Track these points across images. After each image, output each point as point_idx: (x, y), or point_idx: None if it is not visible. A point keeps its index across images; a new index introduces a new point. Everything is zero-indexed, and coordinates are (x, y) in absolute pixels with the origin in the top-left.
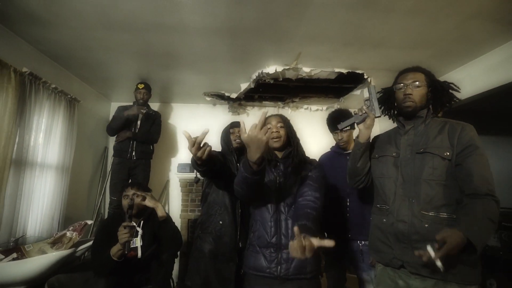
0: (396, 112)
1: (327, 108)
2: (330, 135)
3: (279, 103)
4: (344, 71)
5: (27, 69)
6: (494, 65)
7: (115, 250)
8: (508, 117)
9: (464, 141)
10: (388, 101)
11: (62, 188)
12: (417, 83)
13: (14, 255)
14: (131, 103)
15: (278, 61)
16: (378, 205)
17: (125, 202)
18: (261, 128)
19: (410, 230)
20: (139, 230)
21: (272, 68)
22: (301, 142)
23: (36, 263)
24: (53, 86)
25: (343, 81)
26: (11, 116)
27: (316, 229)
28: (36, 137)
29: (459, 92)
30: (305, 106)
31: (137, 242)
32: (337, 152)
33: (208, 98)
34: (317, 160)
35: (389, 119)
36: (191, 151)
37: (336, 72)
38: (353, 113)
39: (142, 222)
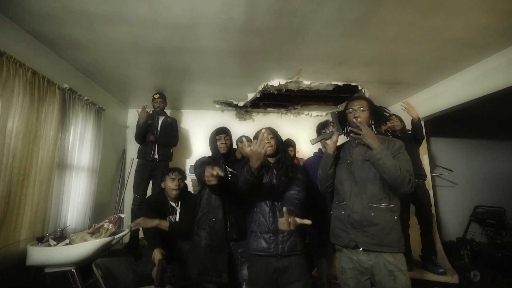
0: (348, 129)
1: (326, 114)
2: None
3: (282, 110)
4: (340, 83)
5: (67, 85)
6: (470, 79)
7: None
8: (489, 123)
9: (394, 149)
10: (342, 121)
11: (92, 187)
12: (362, 108)
13: (67, 241)
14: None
15: (281, 75)
16: (337, 202)
17: (171, 184)
18: (260, 144)
19: (362, 218)
20: (178, 208)
21: (276, 81)
22: (302, 145)
23: (84, 247)
24: (86, 98)
25: (339, 91)
26: (56, 125)
27: (298, 211)
28: (73, 143)
29: (389, 113)
30: (306, 112)
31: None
32: (320, 156)
33: (217, 106)
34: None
35: (344, 135)
36: (254, 149)
37: (333, 84)
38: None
39: (180, 202)
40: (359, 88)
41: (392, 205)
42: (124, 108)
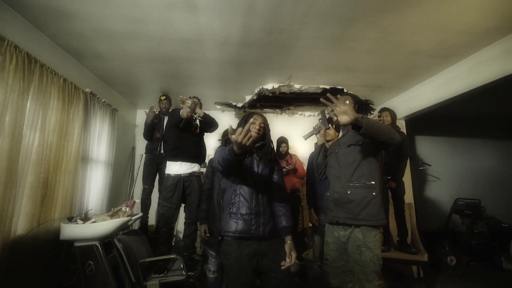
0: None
1: (318, 114)
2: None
3: (278, 110)
4: (327, 87)
5: (89, 89)
6: (439, 84)
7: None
8: (468, 122)
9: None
10: (332, 119)
11: (107, 178)
12: (346, 101)
13: (93, 219)
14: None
15: (275, 80)
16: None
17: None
18: (246, 135)
19: (340, 197)
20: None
21: (270, 85)
22: (297, 142)
23: (107, 225)
24: (103, 100)
25: (328, 93)
26: (81, 124)
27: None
28: (93, 139)
29: (373, 105)
30: (300, 112)
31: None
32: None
33: (218, 106)
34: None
35: (334, 128)
36: (238, 140)
37: (321, 87)
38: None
39: None
40: (345, 90)
41: (372, 182)
42: (133, 109)
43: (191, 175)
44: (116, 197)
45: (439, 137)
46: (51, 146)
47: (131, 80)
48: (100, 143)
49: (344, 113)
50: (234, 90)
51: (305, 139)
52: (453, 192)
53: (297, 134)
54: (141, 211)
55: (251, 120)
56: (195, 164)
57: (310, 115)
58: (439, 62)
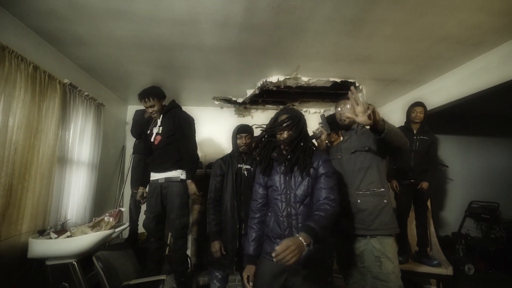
0: (338, 128)
1: (324, 111)
2: None
3: (281, 106)
4: (338, 80)
5: (68, 80)
6: (463, 77)
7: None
8: (483, 120)
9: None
10: (332, 122)
11: (92, 182)
12: (347, 105)
13: (68, 233)
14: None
15: (280, 72)
16: None
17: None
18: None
19: (350, 206)
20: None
21: (274, 78)
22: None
23: (85, 240)
24: (86, 93)
25: (337, 88)
26: (57, 120)
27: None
28: (73, 138)
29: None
30: (305, 109)
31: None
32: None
33: (216, 102)
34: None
35: (334, 133)
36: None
37: (331, 81)
38: (313, 132)
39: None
40: (357, 85)
41: (382, 189)
42: (123, 105)
43: (168, 180)
44: (102, 203)
45: (451, 135)
46: (16, 145)
47: (119, 72)
48: (82, 142)
49: (364, 112)
50: (234, 83)
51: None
52: (466, 195)
53: None
54: (129, 220)
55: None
56: (172, 170)
57: (315, 112)
58: (468, 51)
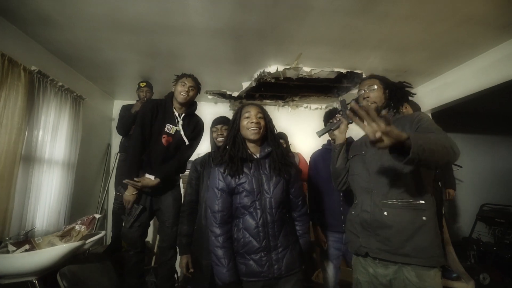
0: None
1: (326, 107)
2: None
3: (279, 101)
4: (343, 70)
5: (35, 68)
6: (484, 67)
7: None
8: (495, 118)
9: (417, 120)
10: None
11: (68, 183)
12: (372, 86)
13: (27, 246)
14: (134, 102)
15: (279, 61)
16: (354, 202)
17: (181, 88)
18: None
19: (372, 218)
20: (180, 120)
21: (273, 68)
22: (301, 139)
23: (47, 254)
24: (60, 84)
25: (341, 81)
26: (21, 113)
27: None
28: (44, 134)
29: (412, 87)
30: (305, 105)
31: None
32: (328, 148)
33: (210, 96)
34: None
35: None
36: None
37: (335, 71)
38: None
39: (183, 115)
40: (363, 76)
41: (419, 201)
42: (109, 99)
43: (164, 183)
44: (82, 207)
45: (461, 134)
46: None
47: (98, 59)
48: (56, 139)
49: (379, 132)
50: (228, 74)
51: (319, 136)
52: (477, 197)
53: (301, 129)
54: (112, 225)
55: (243, 113)
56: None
57: (316, 108)
58: (493, 35)
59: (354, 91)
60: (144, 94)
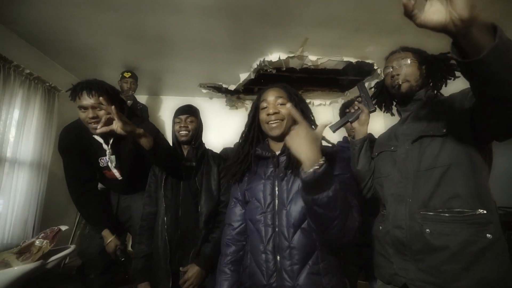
0: (393, 102)
1: (330, 103)
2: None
3: None
4: (353, 60)
5: None
6: None
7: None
8: None
9: (465, 94)
10: (381, 94)
11: (38, 187)
12: (405, 61)
13: None
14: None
15: (282, 47)
16: (382, 212)
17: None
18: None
19: (410, 238)
20: (108, 149)
21: (275, 56)
22: None
23: None
24: (28, 71)
25: (350, 72)
26: None
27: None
28: (6, 129)
29: (459, 60)
30: (308, 100)
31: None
32: (345, 147)
33: (204, 91)
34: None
35: (383, 111)
36: None
37: (344, 61)
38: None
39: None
40: (375, 67)
41: (478, 211)
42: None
43: (134, 190)
44: (55, 215)
45: None
46: None
47: (74, 44)
48: (22, 134)
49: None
50: (225, 64)
51: (334, 131)
52: None
53: None
54: None
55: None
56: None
57: (320, 104)
58: None
59: None
60: (129, 85)
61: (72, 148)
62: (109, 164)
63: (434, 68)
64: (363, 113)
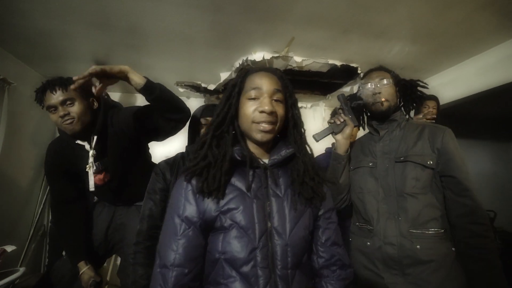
0: (367, 116)
1: (311, 106)
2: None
3: None
4: (338, 63)
5: None
6: (491, 63)
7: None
8: (472, 122)
9: (447, 149)
10: (356, 108)
11: None
12: (384, 80)
13: None
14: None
15: (267, 46)
16: (357, 224)
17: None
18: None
19: (401, 254)
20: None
21: (259, 55)
22: None
23: None
24: None
25: (334, 76)
26: None
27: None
28: None
29: (427, 88)
30: None
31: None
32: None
33: (181, 89)
34: None
35: (359, 126)
36: None
37: (329, 64)
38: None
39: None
40: (359, 71)
41: (443, 230)
42: None
43: (131, 203)
44: (5, 227)
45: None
46: None
47: (28, 30)
48: None
49: None
50: (204, 62)
51: (317, 141)
52: None
53: None
54: (49, 250)
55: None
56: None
57: (301, 107)
58: (506, 27)
59: (345, 89)
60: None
61: (55, 167)
62: (91, 165)
63: (406, 92)
64: (348, 126)
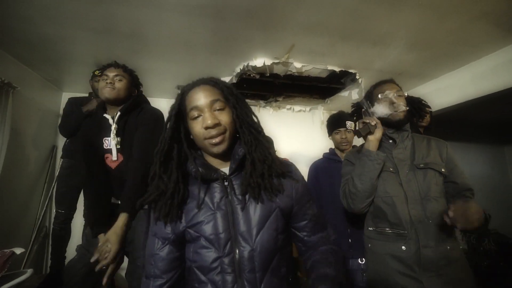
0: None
1: (310, 109)
2: (312, 138)
3: (261, 101)
4: (337, 69)
5: None
6: (485, 71)
7: None
8: (466, 126)
9: (452, 159)
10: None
11: None
12: (402, 92)
13: None
14: (86, 95)
15: (268, 53)
16: (377, 229)
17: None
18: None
19: (438, 255)
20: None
21: (260, 61)
22: (283, 143)
23: None
24: None
25: (332, 81)
26: None
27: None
28: None
29: (430, 108)
30: (288, 106)
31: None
32: (332, 159)
33: None
34: (309, 166)
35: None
36: None
37: (328, 70)
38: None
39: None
40: (357, 77)
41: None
42: (55, 91)
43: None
44: (8, 228)
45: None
46: None
47: (32, 36)
48: None
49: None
50: (205, 67)
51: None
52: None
53: (284, 133)
54: (52, 251)
55: (189, 107)
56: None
57: (300, 111)
58: (501, 36)
59: (343, 94)
60: None
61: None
62: (112, 142)
63: (415, 106)
64: (379, 129)
